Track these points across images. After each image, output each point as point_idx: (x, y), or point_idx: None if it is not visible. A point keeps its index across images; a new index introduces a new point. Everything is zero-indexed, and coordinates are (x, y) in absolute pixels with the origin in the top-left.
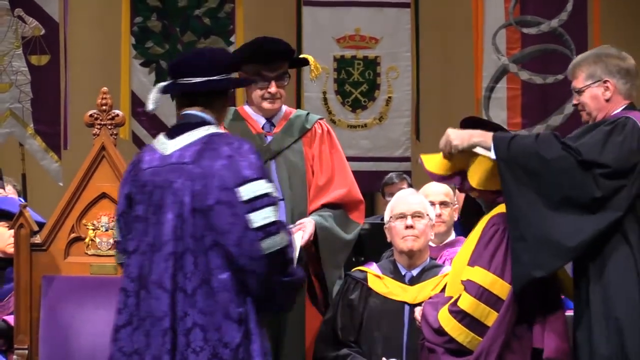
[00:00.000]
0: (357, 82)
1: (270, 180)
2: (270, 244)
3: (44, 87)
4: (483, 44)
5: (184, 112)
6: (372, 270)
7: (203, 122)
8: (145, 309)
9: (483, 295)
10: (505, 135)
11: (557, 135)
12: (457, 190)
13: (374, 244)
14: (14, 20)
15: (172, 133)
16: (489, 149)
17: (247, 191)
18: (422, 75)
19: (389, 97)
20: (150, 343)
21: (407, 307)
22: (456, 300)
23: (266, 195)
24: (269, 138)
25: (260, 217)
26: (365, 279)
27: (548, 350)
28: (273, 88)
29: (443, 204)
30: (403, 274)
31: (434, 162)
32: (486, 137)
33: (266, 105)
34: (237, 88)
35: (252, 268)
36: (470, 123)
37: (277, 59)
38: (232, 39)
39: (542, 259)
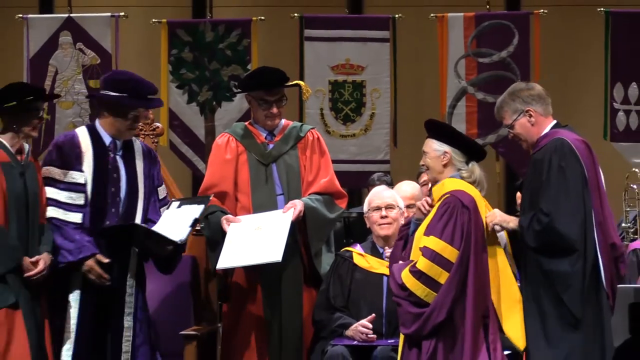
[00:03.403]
0: (347, 101)
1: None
2: None
3: None
4: (447, 71)
5: None
6: (357, 250)
7: None
8: None
9: (436, 258)
10: (524, 227)
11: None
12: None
13: (360, 229)
14: (75, 52)
15: None
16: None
17: None
18: (399, 95)
19: (373, 113)
20: None
21: (385, 278)
22: (415, 263)
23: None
24: (271, 146)
25: None
26: (351, 257)
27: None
28: (274, 109)
29: (409, 207)
30: (381, 252)
31: None
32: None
33: (268, 122)
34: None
35: None
36: (431, 125)
37: (275, 86)
38: (248, 67)
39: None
